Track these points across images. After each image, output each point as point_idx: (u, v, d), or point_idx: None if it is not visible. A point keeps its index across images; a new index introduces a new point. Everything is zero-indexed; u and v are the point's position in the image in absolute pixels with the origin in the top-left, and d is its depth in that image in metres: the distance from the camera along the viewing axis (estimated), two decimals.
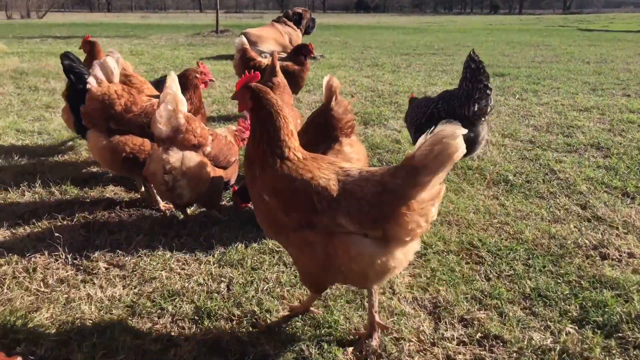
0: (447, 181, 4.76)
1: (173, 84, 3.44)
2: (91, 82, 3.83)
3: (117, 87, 3.96)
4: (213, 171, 3.67)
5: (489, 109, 4.39)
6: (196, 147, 3.58)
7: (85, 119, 3.93)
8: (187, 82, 4.43)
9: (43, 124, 6.57)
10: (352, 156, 3.68)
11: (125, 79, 4.84)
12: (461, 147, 2.18)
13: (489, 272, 3.24)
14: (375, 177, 2.35)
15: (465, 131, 2.20)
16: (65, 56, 4.20)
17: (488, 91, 4.33)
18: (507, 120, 6.98)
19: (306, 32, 14.61)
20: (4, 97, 8.15)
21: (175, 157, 3.48)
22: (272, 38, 13.64)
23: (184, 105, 3.50)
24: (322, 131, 3.69)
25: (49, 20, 37.40)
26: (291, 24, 14.17)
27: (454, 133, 2.17)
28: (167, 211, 4.04)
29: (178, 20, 38.24)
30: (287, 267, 3.27)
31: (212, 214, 3.97)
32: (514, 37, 23.00)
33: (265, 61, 7.17)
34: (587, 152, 5.60)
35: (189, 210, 4.01)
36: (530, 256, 3.41)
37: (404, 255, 2.40)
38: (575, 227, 3.85)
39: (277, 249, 3.47)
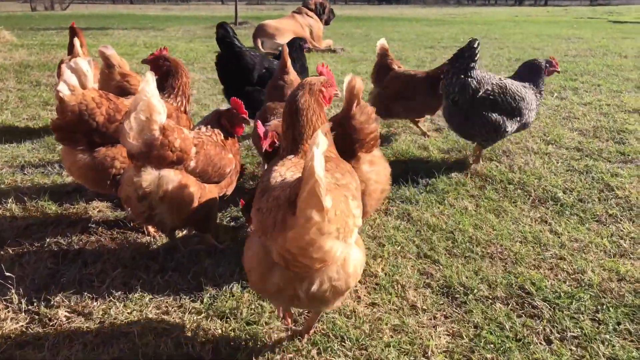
0: (485, 199, 4.06)
1: (147, 86, 2.79)
2: (62, 89, 3.19)
3: (94, 94, 3.34)
4: (201, 190, 3.02)
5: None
6: (176, 164, 2.93)
7: (59, 134, 3.31)
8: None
9: (37, 123, 6.01)
10: (370, 177, 3.02)
11: (122, 79, 4.24)
12: None
13: (548, 331, 2.54)
14: None
15: None
16: (220, 26, 5.00)
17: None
18: (548, 123, 6.21)
19: (326, 23, 13.92)
20: (1, 93, 7.62)
21: (148, 178, 2.83)
22: (291, 30, 12.96)
23: (160, 113, 2.85)
24: (338, 143, 3.03)
25: (71, 12, 37.17)
26: (312, 14, 13.48)
27: None
28: (155, 236, 3.41)
29: (200, 12, 37.71)
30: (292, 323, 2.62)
31: (206, 240, 3.34)
32: (543, 29, 21.93)
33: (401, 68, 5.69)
34: None
35: (180, 233, 3.39)
36: (600, 308, 2.71)
37: None
38: None
39: None
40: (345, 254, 1.98)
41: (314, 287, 1.98)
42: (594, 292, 2.83)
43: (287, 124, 2.37)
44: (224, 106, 3.76)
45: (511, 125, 4.49)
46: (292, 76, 4.66)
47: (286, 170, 2.19)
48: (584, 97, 7.72)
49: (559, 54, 12.85)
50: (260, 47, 12.41)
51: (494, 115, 4.41)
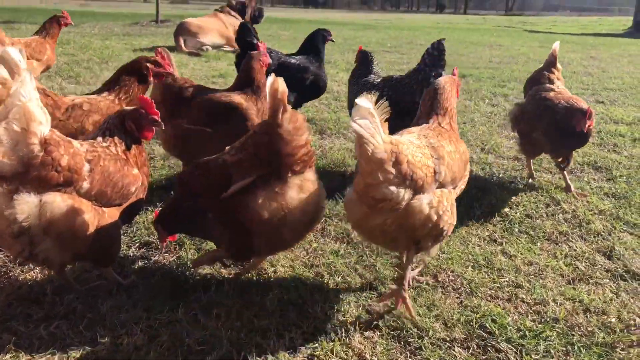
0: None
1: (23, 87, 2.16)
2: None
3: None
4: (98, 216, 2.43)
5: None
6: (64, 186, 2.33)
7: None
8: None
9: None
10: (295, 205, 2.54)
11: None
12: None
13: None
14: None
15: None
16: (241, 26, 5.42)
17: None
18: (484, 131, 6.00)
19: (254, 22, 13.36)
20: None
21: (25, 208, 2.20)
22: (215, 29, 12.31)
23: (41, 123, 2.24)
24: (260, 157, 2.55)
25: None
26: (235, 14, 12.88)
27: None
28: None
29: (120, 9, 35.83)
30: None
31: (106, 275, 2.74)
32: (465, 36, 22.42)
33: None
34: (585, 174, 4.68)
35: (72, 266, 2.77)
36: (570, 349, 2.37)
37: None
38: (611, 291, 2.86)
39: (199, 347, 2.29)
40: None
41: (379, 219, 2.37)
42: (561, 329, 2.50)
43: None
44: None
45: None
46: None
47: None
48: (504, 105, 7.65)
49: (483, 61, 13.03)
50: (182, 45, 11.65)
51: None
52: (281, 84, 2.49)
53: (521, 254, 3.24)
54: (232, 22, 12.73)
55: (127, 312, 2.47)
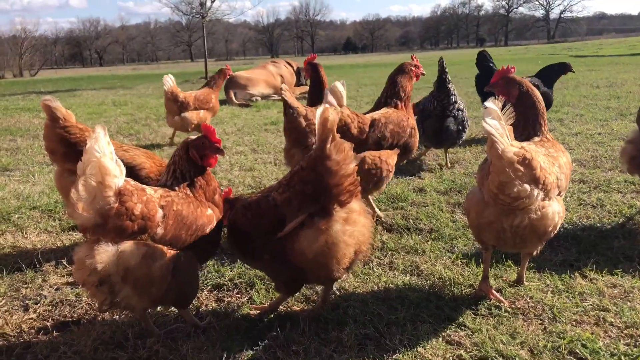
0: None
1: (97, 143, 2.28)
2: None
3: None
4: (174, 259, 2.49)
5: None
6: (139, 234, 2.41)
7: None
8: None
9: None
10: (343, 239, 2.51)
11: (64, 131, 3.73)
12: None
13: None
14: None
15: None
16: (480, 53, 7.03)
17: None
18: None
19: (301, 83, 13.80)
20: None
21: (104, 257, 2.30)
22: (263, 80, 12.74)
23: (116, 176, 2.35)
24: (308, 192, 2.52)
25: (39, 77, 36.72)
26: (289, 68, 13.35)
27: None
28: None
29: (169, 70, 37.65)
30: None
31: (185, 317, 2.79)
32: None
33: None
34: None
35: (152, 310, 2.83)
36: None
37: None
38: None
39: None
40: (544, 203, 2.60)
41: (516, 221, 2.59)
42: None
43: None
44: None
45: None
46: None
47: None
48: (572, 127, 7.49)
49: None
50: (233, 98, 12.08)
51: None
52: (332, 113, 2.46)
53: (601, 276, 3.10)
54: (282, 72, 13.16)
55: (207, 352, 2.50)
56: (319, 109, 2.49)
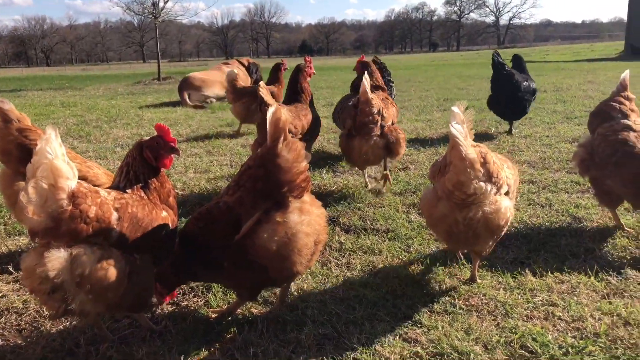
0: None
1: (49, 144, 2.19)
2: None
3: None
4: (130, 263, 2.43)
5: None
6: (94, 237, 2.33)
7: None
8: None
9: None
10: (300, 229, 2.54)
11: (20, 135, 3.59)
12: None
13: None
14: None
15: None
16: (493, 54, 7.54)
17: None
18: None
19: (254, 82, 13.65)
20: None
21: (57, 264, 2.22)
22: (218, 81, 12.56)
23: (69, 178, 2.26)
24: (259, 189, 2.54)
25: None
26: (243, 69, 13.18)
27: None
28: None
29: (121, 71, 36.74)
30: None
31: (140, 322, 2.73)
32: (462, 70, 22.86)
33: None
34: None
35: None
36: None
37: None
38: None
39: None
40: (497, 197, 2.78)
41: (470, 213, 2.74)
42: (603, 343, 2.46)
43: None
44: None
45: None
46: None
47: None
48: (521, 130, 7.74)
49: (483, 92, 13.17)
50: (187, 100, 11.89)
51: None
52: (284, 113, 2.53)
53: (551, 273, 3.21)
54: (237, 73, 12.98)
55: (163, 357, 2.45)
56: (270, 109, 2.51)
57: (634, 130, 3.62)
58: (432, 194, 2.90)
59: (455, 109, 2.59)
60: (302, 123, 5.01)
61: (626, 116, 3.75)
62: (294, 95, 5.28)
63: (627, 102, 3.83)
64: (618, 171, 3.59)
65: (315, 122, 5.30)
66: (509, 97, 7.37)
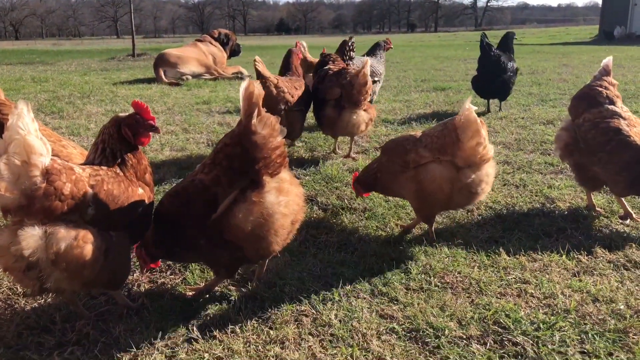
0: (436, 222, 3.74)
1: (20, 119, 2.14)
2: None
3: None
4: (106, 240, 2.40)
5: None
6: (68, 214, 2.30)
7: None
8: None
9: None
10: (277, 210, 2.52)
11: None
12: None
13: None
14: None
15: None
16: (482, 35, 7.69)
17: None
18: None
19: (233, 54, 13.46)
20: None
21: (31, 241, 2.17)
22: (194, 58, 12.36)
23: (42, 155, 2.21)
24: (236, 167, 2.50)
25: None
26: (216, 43, 12.96)
27: None
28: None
29: (94, 46, 35.83)
30: None
31: (117, 299, 2.71)
32: (439, 52, 22.91)
33: None
34: None
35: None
36: (585, 337, 2.40)
37: None
38: (616, 280, 2.91)
39: None
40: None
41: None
42: (573, 319, 2.53)
43: None
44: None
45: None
46: None
47: None
48: (496, 112, 7.82)
49: (460, 74, 13.25)
50: (163, 76, 11.68)
51: None
52: (257, 87, 2.45)
53: (523, 251, 3.28)
54: (212, 50, 12.81)
55: (141, 334, 2.44)
56: (243, 83, 2.46)
57: (624, 118, 3.59)
58: (446, 168, 3.20)
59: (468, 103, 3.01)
60: (298, 92, 5.20)
61: (612, 102, 3.71)
62: (288, 73, 5.58)
63: (611, 88, 3.78)
64: (611, 159, 3.54)
65: (309, 93, 5.44)
66: (496, 79, 7.67)
